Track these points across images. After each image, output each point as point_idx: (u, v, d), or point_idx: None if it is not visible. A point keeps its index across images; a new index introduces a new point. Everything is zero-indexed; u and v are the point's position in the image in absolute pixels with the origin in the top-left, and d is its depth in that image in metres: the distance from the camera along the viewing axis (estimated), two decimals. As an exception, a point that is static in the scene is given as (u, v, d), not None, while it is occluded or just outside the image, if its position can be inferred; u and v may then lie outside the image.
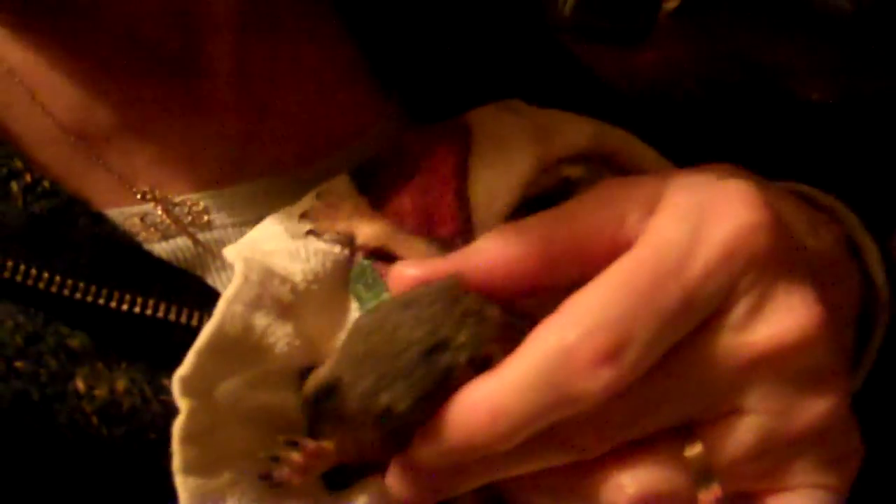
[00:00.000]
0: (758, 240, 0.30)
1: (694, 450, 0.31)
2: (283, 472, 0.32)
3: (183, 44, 0.43)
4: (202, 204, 0.41)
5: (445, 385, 0.31)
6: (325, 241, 0.38)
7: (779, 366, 0.30)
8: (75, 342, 0.35)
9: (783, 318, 0.30)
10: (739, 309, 0.30)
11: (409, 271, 0.33)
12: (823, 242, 0.35)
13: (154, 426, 0.35)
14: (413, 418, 0.31)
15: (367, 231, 0.38)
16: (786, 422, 0.31)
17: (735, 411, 0.31)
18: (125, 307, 0.35)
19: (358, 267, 0.38)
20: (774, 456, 0.31)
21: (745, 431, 0.31)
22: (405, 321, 0.32)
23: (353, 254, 0.38)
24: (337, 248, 0.38)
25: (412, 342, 0.31)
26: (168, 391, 0.33)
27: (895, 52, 0.56)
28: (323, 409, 0.33)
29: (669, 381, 0.30)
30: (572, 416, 0.30)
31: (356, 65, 0.48)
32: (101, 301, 0.35)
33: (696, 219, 0.30)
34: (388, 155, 0.41)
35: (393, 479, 0.33)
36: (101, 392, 0.34)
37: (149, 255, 0.38)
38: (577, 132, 0.40)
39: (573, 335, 0.29)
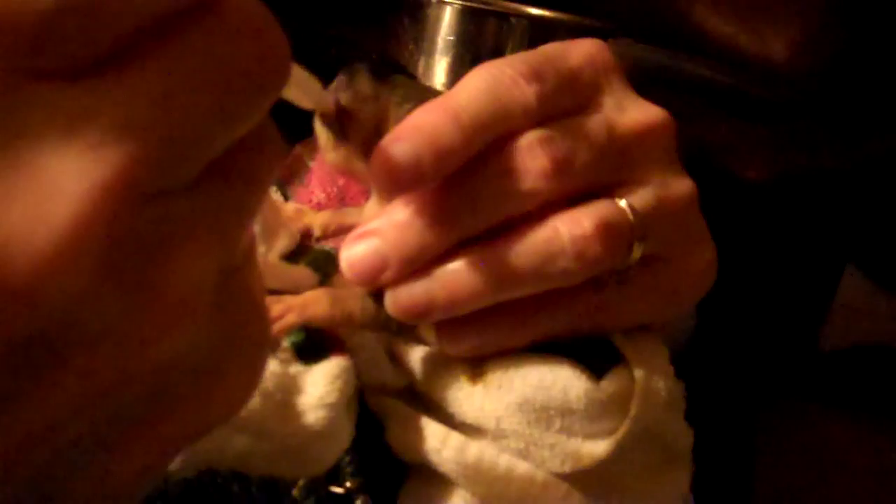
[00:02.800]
0: (610, 57, 0.40)
1: (622, 203, 0.38)
2: None
3: None
4: None
5: None
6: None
7: (654, 142, 0.39)
8: None
9: (646, 107, 0.40)
10: (609, 101, 0.39)
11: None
12: None
13: None
14: None
15: (321, 220, 0.42)
16: (668, 191, 0.39)
17: (632, 182, 0.38)
18: None
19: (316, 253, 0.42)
20: (662, 224, 0.39)
21: (641, 196, 0.38)
22: None
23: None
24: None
25: None
26: None
27: (831, 133, 0.55)
28: None
29: (585, 139, 0.38)
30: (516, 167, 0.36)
31: None
32: None
33: (562, 46, 0.40)
34: (286, 169, 0.46)
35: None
36: None
37: None
38: None
39: (503, 64, 0.37)
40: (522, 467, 0.37)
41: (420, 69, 0.50)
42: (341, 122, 0.37)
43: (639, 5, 0.54)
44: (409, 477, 0.40)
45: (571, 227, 0.36)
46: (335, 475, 0.39)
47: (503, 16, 0.48)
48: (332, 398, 0.36)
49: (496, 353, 0.39)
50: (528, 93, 0.37)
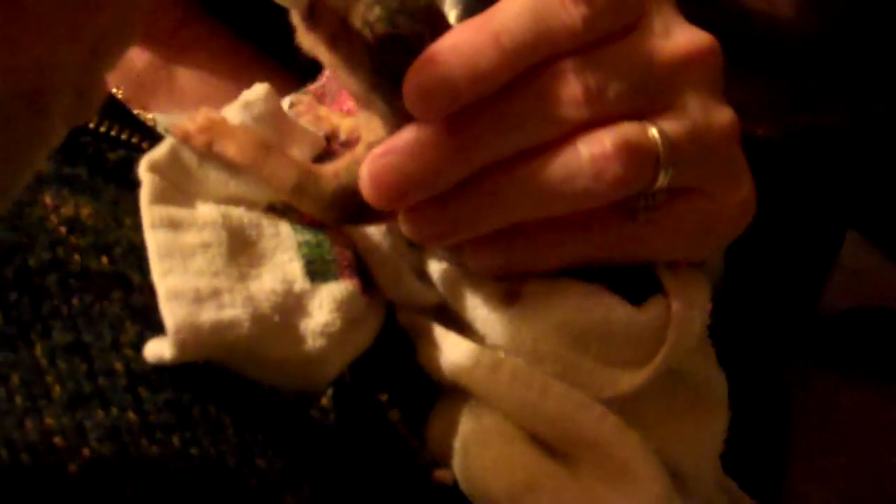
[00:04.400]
0: None
1: (651, 127, 0.36)
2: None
3: None
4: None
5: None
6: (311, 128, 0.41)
7: (698, 69, 0.38)
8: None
9: (693, 33, 0.38)
10: (657, 24, 0.37)
11: None
12: None
13: (118, 244, 0.37)
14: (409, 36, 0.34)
15: (348, 124, 0.41)
16: (707, 120, 0.37)
17: (669, 108, 0.37)
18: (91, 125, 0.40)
19: None
20: (696, 153, 0.37)
21: (675, 122, 0.37)
22: None
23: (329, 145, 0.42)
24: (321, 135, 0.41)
25: None
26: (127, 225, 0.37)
27: (842, 89, 0.56)
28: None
29: (623, 66, 0.36)
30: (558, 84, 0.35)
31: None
32: None
33: None
34: (317, 85, 0.44)
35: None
36: (66, 210, 0.37)
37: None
38: None
39: None
40: (558, 386, 0.36)
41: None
42: (311, 10, 0.35)
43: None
44: (441, 396, 0.39)
45: (592, 146, 0.35)
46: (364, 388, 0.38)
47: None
48: (335, 327, 0.35)
49: (531, 276, 0.38)
50: (574, 15, 0.35)
